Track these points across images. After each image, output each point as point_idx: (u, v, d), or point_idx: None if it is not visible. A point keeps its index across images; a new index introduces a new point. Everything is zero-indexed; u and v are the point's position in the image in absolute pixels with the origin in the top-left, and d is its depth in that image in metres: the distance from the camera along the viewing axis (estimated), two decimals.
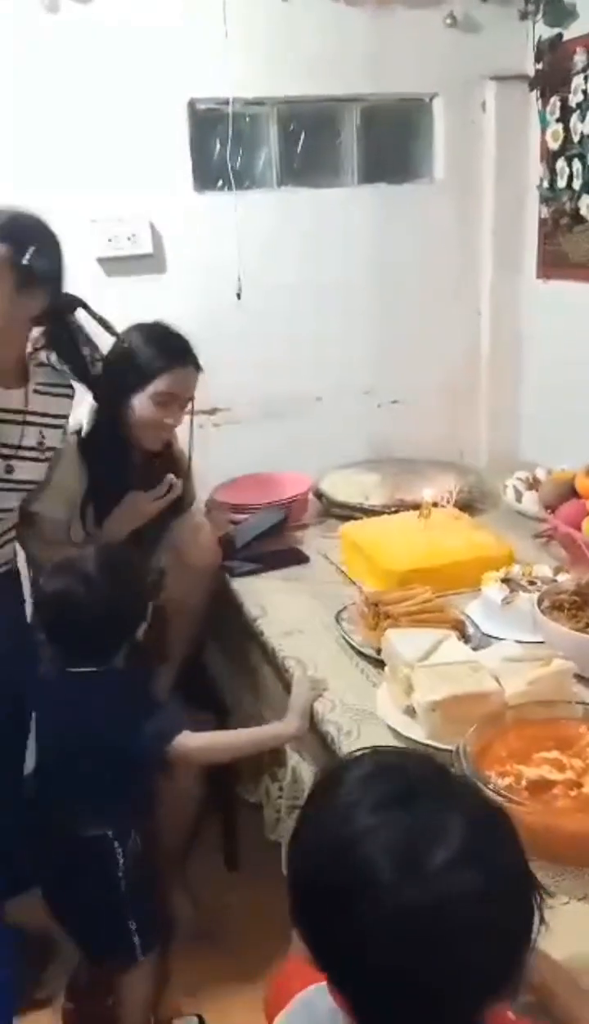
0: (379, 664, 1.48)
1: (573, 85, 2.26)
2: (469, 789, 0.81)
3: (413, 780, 0.74)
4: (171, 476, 1.85)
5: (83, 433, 1.85)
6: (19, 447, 1.65)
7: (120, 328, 1.95)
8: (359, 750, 0.83)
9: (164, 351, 1.83)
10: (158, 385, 1.81)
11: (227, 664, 2.02)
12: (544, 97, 2.39)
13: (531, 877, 0.74)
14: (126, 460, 1.86)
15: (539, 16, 2.36)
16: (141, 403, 1.81)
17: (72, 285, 2.24)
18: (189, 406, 1.88)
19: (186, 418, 1.90)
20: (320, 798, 0.77)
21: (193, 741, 1.50)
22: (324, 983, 0.76)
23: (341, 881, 0.69)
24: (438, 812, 0.71)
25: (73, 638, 1.52)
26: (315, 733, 1.45)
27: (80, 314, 1.74)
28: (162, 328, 1.87)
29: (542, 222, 2.49)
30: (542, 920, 0.73)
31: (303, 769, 1.64)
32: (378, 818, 0.70)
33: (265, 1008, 0.93)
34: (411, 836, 0.69)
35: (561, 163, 2.35)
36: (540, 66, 2.39)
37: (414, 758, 0.83)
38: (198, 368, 1.87)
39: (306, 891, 0.73)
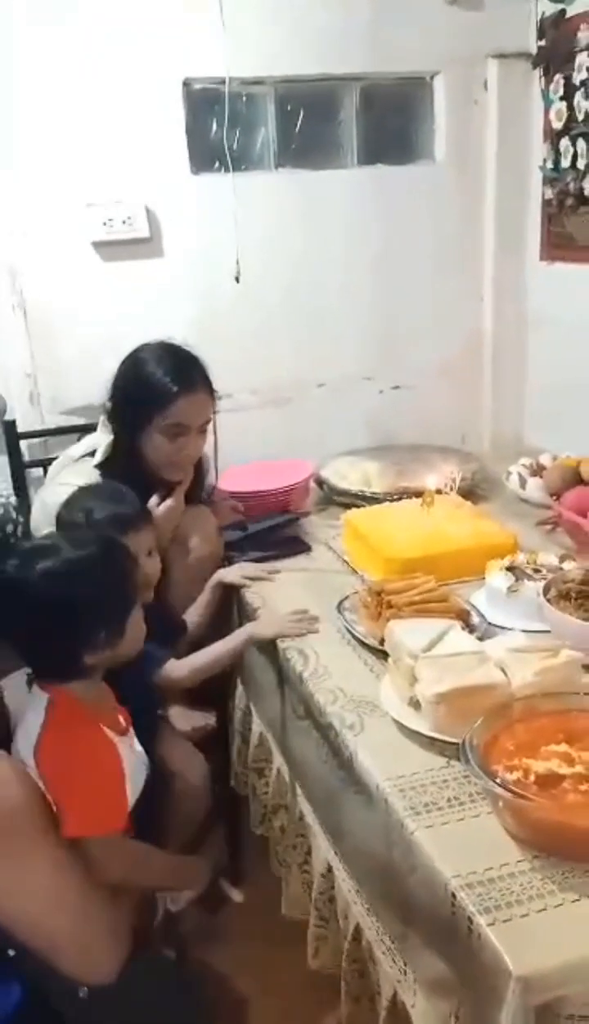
0: (382, 655, 1.45)
1: (577, 62, 2.21)
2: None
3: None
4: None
5: (97, 461, 1.79)
6: None
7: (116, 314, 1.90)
8: None
9: (171, 378, 1.74)
10: (168, 417, 1.74)
11: None
12: (547, 75, 2.35)
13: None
14: (147, 495, 1.76)
15: None
16: (154, 437, 1.75)
17: (68, 270, 2.23)
18: (208, 429, 1.83)
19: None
20: None
21: (178, 670, 1.61)
22: None
23: None
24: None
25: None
26: (317, 727, 1.43)
27: None
28: (169, 350, 1.79)
29: (546, 203, 2.45)
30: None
31: (286, 771, 1.64)
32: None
33: None
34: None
35: (565, 142, 2.31)
36: (543, 43, 2.35)
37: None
38: (211, 392, 1.80)
39: None
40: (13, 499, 1.52)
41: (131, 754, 1.33)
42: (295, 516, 2.09)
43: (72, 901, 1.14)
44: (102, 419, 1.84)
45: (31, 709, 1.27)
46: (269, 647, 1.64)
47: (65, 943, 1.13)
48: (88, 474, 1.78)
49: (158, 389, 1.74)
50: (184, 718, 1.78)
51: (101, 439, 1.82)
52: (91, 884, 1.15)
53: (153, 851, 1.37)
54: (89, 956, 1.15)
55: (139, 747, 1.40)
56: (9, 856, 1.08)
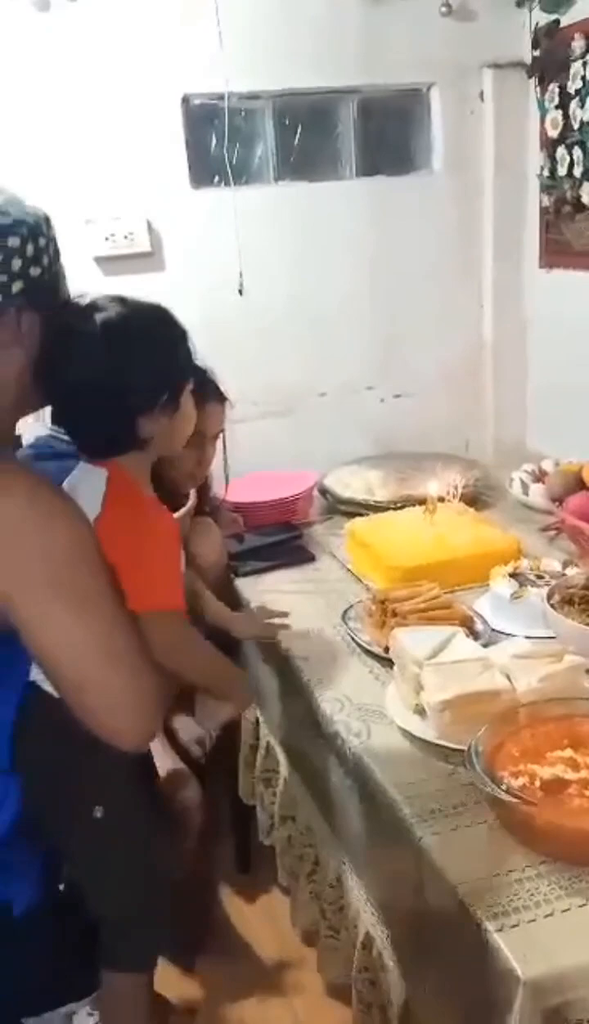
0: (388, 663, 1.46)
1: (572, 71, 2.23)
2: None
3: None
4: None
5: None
6: None
7: None
8: None
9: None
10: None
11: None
12: (542, 84, 2.37)
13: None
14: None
15: (535, 2, 2.33)
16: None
17: (70, 285, 2.25)
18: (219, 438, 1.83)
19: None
20: None
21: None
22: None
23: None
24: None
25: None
26: (323, 735, 1.43)
27: None
28: None
29: (543, 211, 2.46)
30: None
31: (294, 781, 1.64)
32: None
33: None
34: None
35: (561, 151, 2.33)
36: (538, 53, 2.36)
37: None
38: (223, 400, 1.81)
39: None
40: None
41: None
42: (298, 533, 2.10)
43: (116, 652, 1.03)
44: None
45: (84, 483, 1.21)
46: (276, 656, 1.65)
47: (96, 695, 1.04)
48: None
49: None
50: (189, 728, 1.78)
51: None
52: (138, 647, 1.04)
53: (207, 642, 1.36)
54: (116, 717, 1.05)
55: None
56: (73, 587, 0.99)
